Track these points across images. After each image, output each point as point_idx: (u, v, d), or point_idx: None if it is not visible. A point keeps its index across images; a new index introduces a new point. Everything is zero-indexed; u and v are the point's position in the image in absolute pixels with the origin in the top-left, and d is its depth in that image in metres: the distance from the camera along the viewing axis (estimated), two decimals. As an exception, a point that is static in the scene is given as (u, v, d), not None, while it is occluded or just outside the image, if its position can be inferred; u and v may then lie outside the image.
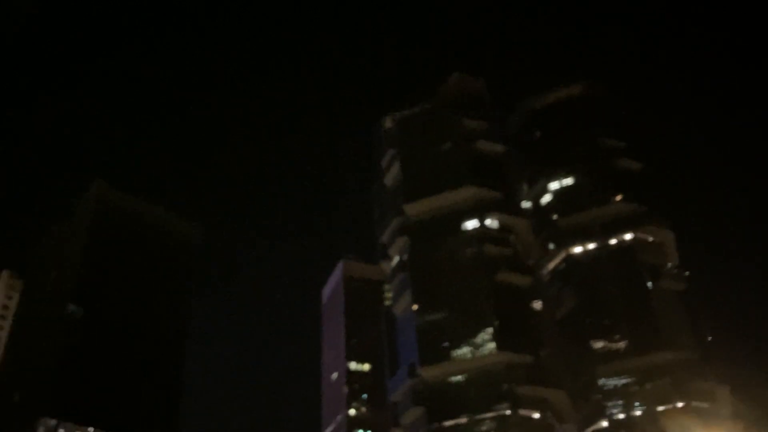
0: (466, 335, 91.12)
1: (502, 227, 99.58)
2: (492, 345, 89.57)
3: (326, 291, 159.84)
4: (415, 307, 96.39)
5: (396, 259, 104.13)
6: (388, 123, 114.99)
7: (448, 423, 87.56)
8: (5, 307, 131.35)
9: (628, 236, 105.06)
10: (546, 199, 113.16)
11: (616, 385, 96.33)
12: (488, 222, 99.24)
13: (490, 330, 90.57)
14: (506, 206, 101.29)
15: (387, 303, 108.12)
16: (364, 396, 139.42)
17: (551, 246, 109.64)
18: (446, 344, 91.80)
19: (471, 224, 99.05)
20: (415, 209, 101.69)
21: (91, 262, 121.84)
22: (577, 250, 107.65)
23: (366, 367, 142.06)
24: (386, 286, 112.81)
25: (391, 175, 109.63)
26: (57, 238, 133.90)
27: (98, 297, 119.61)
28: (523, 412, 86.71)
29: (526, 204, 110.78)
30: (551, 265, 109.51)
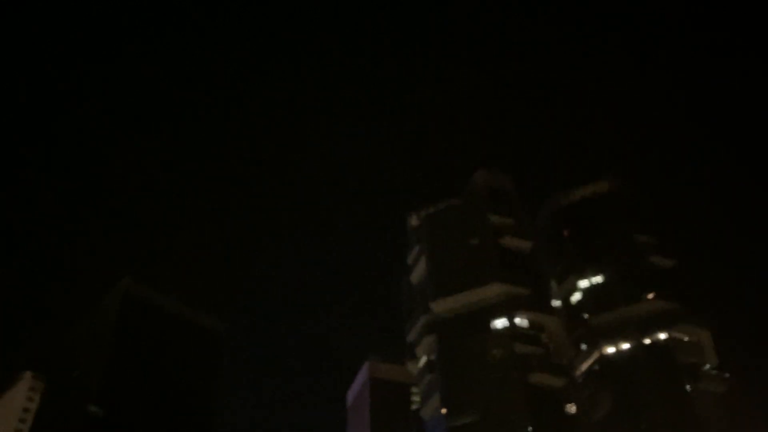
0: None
1: (533, 325, 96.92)
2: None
3: (351, 393, 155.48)
4: (444, 410, 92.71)
5: (423, 359, 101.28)
6: (414, 220, 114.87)
7: None
8: (26, 410, 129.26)
9: (662, 335, 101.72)
10: (576, 297, 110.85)
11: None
12: (518, 320, 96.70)
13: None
14: (536, 304, 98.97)
15: (414, 406, 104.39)
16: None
17: (583, 346, 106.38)
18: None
19: (500, 322, 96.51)
20: (442, 306, 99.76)
21: (116, 360, 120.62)
22: (611, 350, 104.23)
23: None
24: (414, 389, 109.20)
25: (418, 272, 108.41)
26: (82, 336, 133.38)
27: (122, 396, 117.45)
28: None
29: (555, 302, 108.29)
30: (585, 366, 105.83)
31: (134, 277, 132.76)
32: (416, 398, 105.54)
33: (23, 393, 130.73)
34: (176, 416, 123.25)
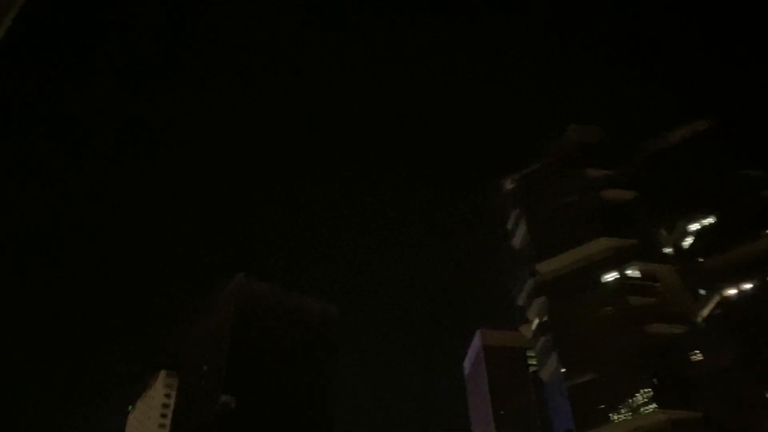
0: (623, 395, 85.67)
1: (645, 276, 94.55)
2: (653, 404, 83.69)
3: (467, 362, 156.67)
4: (562, 369, 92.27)
5: (536, 322, 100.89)
6: (508, 184, 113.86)
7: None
8: (165, 405, 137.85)
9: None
10: (687, 241, 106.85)
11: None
12: (629, 272, 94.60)
13: (648, 387, 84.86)
14: (646, 254, 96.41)
15: (532, 368, 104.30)
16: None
17: (702, 291, 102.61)
18: (602, 407, 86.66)
19: (610, 276, 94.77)
20: (548, 268, 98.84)
21: (238, 351, 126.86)
22: (732, 291, 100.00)
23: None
24: (529, 352, 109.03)
25: (519, 236, 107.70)
26: (204, 332, 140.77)
27: (248, 384, 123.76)
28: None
29: (666, 250, 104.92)
30: (705, 312, 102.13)
31: (246, 272, 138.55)
32: (533, 361, 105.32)
33: (161, 390, 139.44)
34: (298, 396, 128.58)
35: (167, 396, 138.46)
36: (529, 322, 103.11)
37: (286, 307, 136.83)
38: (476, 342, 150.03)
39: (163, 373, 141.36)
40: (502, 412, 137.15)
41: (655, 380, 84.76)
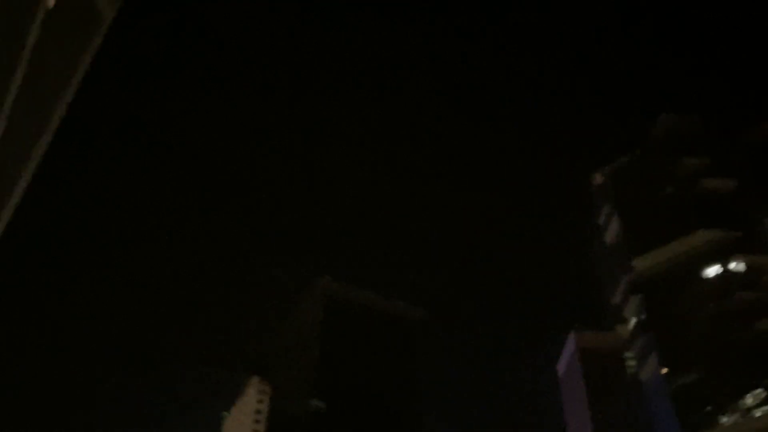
0: (732, 397, 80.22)
1: (750, 269, 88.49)
2: (765, 406, 77.99)
3: (561, 366, 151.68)
4: (664, 370, 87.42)
5: (633, 321, 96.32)
6: (598, 179, 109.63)
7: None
8: (258, 411, 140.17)
9: None
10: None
11: None
12: (733, 266, 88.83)
13: (759, 389, 79.17)
14: (751, 246, 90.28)
15: (630, 370, 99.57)
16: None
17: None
18: (709, 409, 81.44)
19: (713, 271, 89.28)
20: (645, 263, 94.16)
21: (326, 356, 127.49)
22: None
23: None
24: (627, 353, 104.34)
25: (612, 232, 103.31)
26: (292, 336, 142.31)
27: (337, 389, 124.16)
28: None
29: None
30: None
31: (331, 275, 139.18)
32: (630, 363, 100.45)
33: (254, 396, 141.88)
34: (388, 399, 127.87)
35: (260, 402, 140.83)
36: (625, 321, 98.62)
37: (374, 309, 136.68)
38: (570, 344, 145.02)
39: (255, 380, 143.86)
40: (600, 416, 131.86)
41: (766, 380, 79.04)
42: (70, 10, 41.11)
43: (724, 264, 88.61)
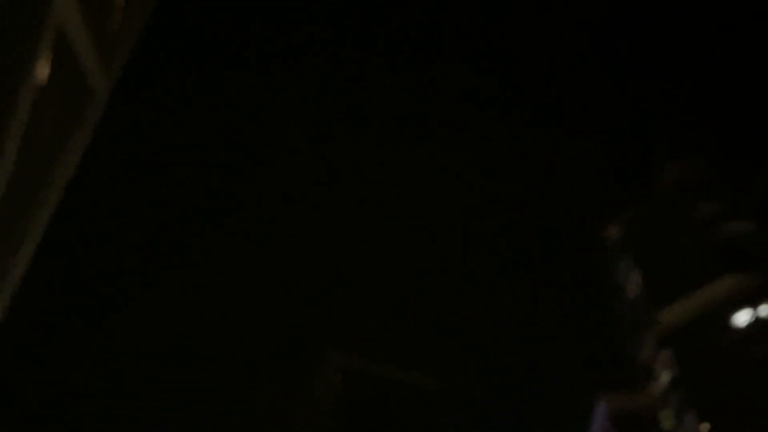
0: (782, 449, 75.40)
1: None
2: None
3: None
4: (705, 427, 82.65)
5: (665, 377, 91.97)
6: (612, 232, 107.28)
7: None
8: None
9: None
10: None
11: None
12: (764, 311, 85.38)
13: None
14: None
15: (666, 429, 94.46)
16: None
17: None
18: (759, 466, 76.41)
19: (742, 318, 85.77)
20: (671, 315, 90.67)
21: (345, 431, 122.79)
22: None
23: None
24: (661, 413, 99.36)
25: (633, 286, 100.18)
26: (301, 415, 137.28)
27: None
28: None
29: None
30: None
31: (341, 349, 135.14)
32: (667, 422, 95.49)
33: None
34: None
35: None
36: (656, 378, 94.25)
37: (391, 382, 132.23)
38: (601, 409, 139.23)
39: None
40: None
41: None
42: (62, 85, 39.14)
43: (755, 309, 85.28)
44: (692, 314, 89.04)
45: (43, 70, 34.03)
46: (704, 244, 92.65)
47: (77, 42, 41.02)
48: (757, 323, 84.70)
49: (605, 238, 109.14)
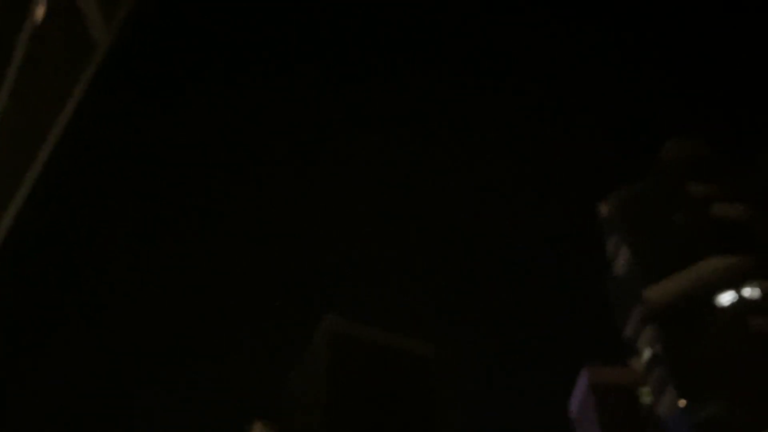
0: (756, 426, 76.97)
1: (765, 295, 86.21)
2: (791, 436, 74.79)
3: (573, 403, 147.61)
4: (682, 403, 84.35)
5: (647, 353, 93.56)
6: (604, 209, 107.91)
7: None
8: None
9: None
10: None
11: None
12: (747, 292, 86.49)
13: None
14: (764, 272, 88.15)
15: (646, 404, 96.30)
16: None
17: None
18: (734, 441, 78.24)
19: (726, 298, 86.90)
20: (656, 293, 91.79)
21: (334, 397, 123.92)
22: None
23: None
24: (642, 389, 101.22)
25: (622, 262, 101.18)
26: (297, 379, 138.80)
27: (346, 430, 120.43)
28: None
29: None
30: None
31: (337, 313, 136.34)
32: (646, 397, 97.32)
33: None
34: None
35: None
36: (639, 353, 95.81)
37: (381, 347, 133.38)
38: (582, 381, 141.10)
39: (258, 424, 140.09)
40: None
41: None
42: (59, 30, 39.39)
43: (738, 291, 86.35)
44: (678, 293, 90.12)
45: (40, 11, 34.13)
46: (694, 224, 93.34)
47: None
48: (741, 303, 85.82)
49: (599, 214, 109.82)
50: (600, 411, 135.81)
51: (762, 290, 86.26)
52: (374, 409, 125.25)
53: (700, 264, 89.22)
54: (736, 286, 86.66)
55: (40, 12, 36.05)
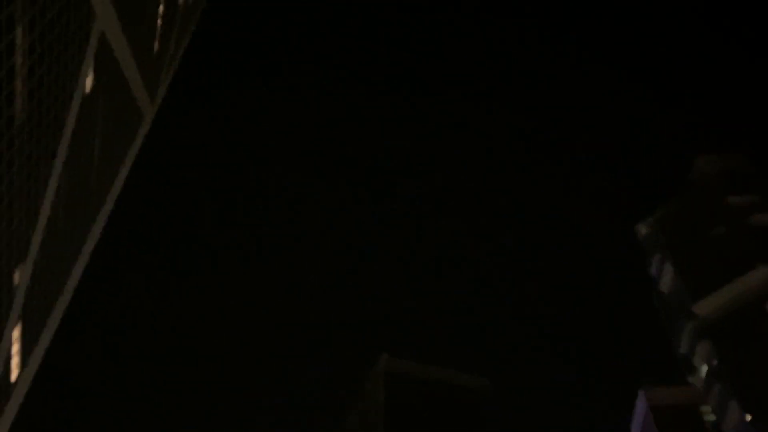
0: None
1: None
2: None
3: (635, 428, 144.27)
4: (748, 417, 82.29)
5: (704, 369, 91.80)
6: (643, 229, 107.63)
7: None
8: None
9: None
10: None
11: None
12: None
13: None
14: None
15: (709, 422, 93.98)
16: None
17: None
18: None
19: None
20: (706, 308, 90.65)
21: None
22: None
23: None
24: (703, 407, 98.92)
25: (667, 280, 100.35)
26: (354, 419, 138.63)
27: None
28: None
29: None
30: None
31: (389, 351, 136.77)
32: (709, 415, 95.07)
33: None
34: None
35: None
36: (696, 371, 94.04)
37: (435, 384, 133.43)
38: (641, 404, 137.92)
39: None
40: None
41: None
42: (107, 99, 42.34)
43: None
44: (728, 305, 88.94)
45: (88, 81, 36.57)
46: (736, 235, 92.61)
47: (121, 57, 43.78)
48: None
49: (637, 234, 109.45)
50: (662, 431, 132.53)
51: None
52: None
53: (747, 274, 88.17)
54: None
55: (88, 82, 38.61)
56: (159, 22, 46.30)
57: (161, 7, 45.54)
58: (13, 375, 39.11)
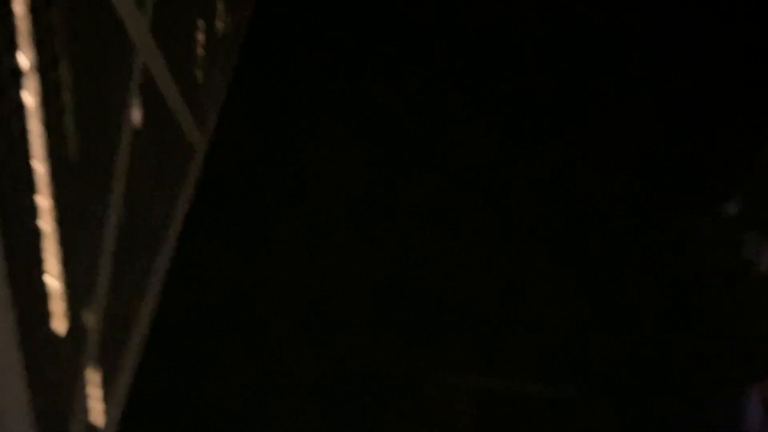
0: None
1: None
2: None
3: (751, 426, 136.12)
4: None
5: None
6: (732, 209, 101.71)
7: None
8: None
9: None
10: None
11: None
12: None
13: None
14: None
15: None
16: None
17: None
18: None
19: None
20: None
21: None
22: None
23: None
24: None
25: (765, 262, 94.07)
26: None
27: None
28: None
29: None
30: None
31: (480, 370, 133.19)
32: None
33: None
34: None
35: None
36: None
37: (528, 400, 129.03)
38: (754, 401, 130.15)
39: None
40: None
41: None
42: (157, 134, 41.06)
43: None
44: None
45: (137, 115, 36.11)
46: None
47: (164, 88, 43.63)
48: None
49: (729, 213, 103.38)
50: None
51: None
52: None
53: None
54: None
55: (137, 116, 38.61)
56: (200, 51, 45.79)
57: (201, 36, 44.93)
58: (99, 420, 38.47)
